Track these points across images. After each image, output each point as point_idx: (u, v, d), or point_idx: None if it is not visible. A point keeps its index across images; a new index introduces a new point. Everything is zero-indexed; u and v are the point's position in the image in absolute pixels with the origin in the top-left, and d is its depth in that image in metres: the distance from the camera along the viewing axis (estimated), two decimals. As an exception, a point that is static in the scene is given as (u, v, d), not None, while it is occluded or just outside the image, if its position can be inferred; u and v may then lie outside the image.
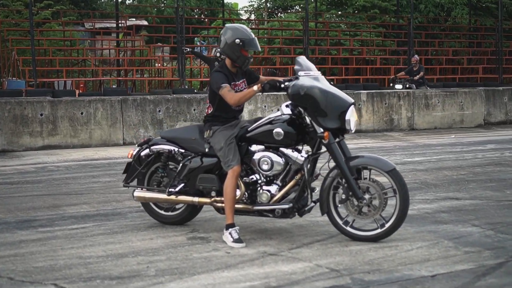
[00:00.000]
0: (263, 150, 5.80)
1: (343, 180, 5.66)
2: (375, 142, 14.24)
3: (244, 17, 38.51)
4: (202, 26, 32.49)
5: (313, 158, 5.75)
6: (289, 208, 5.71)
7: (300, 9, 34.81)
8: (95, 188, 8.62)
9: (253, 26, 32.29)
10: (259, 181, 5.83)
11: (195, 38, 30.38)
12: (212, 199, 5.96)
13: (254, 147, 5.85)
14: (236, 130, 5.90)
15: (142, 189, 6.38)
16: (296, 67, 5.84)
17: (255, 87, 5.67)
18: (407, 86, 18.72)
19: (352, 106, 5.66)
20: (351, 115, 5.63)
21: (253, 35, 5.93)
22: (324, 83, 5.76)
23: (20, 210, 7.26)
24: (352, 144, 12.22)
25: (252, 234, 5.99)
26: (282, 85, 5.68)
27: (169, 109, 14.26)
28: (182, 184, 6.12)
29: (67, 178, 9.51)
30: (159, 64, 25.94)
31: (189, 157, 6.09)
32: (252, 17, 37.62)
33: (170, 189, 6.13)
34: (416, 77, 18.98)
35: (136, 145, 6.48)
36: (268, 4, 40.05)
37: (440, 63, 28.08)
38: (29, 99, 13.38)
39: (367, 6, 31.93)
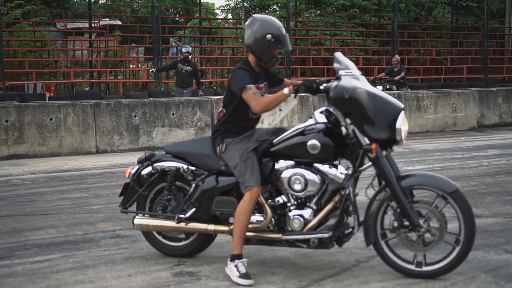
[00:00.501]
0: (293, 167, 4.78)
1: (394, 203, 4.66)
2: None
3: (221, 16, 37.65)
4: (178, 26, 31.75)
5: (355, 176, 4.75)
6: (328, 238, 4.69)
7: (278, 9, 34.04)
8: (63, 207, 7.58)
9: (230, 26, 31.48)
10: (289, 204, 4.80)
11: (170, 39, 29.52)
12: (232, 226, 4.90)
13: (281, 163, 4.81)
14: (253, 143, 4.87)
15: (144, 215, 5.29)
16: (335, 65, 4.80)
17: (286, 90, 4.68)
18: (387, 87, 18.05)
19: (403, 112, 4.67)
20: (402, 123, 4.61)
21: (285, 31, 4.95)
22: (368, 85, 4.77)
23: (-25, 236, 6.22)
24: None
25: (249, 267, 4.93)
26: (321, 87, 4.69)
27: (146, 114, 13.23)
28: (193, 209, 5.06)
29: (32, 194, 8.46)
30: (134, 66, 24.97)
31: (203, 176, 5.04)
32: (229, 16, 36.74)
33: (180, 215, 5.06)
34: (397, 78, 18.35)
35: (136, 161, 5.37)
36: (245, 3, 39.23)
37: (423, 63, 27.43)
38: (-7, 104, 12.32)
39: (347, 5, 31.35)
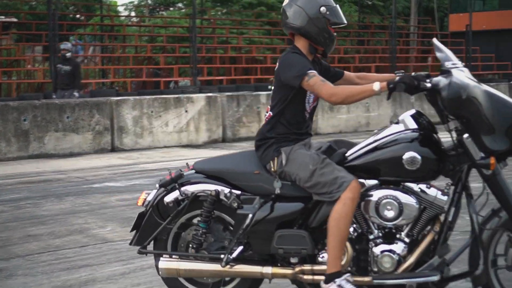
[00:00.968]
0: (377, 187, 3.72)
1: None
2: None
3: (124, 14, 36.34)
4: (78, 23, 30.48)
5: (458, 198, 3.71)
6: (436, 282, 3.61)
7: (183, 6, 33.17)
8: None
9: (134, 24, 30.41)
10: (371, 237, 3.73)
11: (70, 37, 28.14)
12: (298, 269, 3.78)
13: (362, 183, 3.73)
14: (320, 153, 3.79)
15: (170, 257, 4.01)
16: (438, 54, 3.73)
17: (377, 86, 3.57)
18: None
19: None
20: None
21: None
22: (477, 81, 3.67)
23: None
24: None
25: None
26: (427, 84, 3.58)
27: (37, 118, 12.01)
28: (241, 247, 3.86)
29: None
30: (30, 65, 23.51)
31: (255, 203, 3.86)
32: (133, 14, 35.50)
33: (228, 256, 3.84)
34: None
35: (157, 185, 4.07)
36: (149, 1, 38.18)
37: (331, 62, 27.15)
38: None
39: (253, 3, 30.96)
